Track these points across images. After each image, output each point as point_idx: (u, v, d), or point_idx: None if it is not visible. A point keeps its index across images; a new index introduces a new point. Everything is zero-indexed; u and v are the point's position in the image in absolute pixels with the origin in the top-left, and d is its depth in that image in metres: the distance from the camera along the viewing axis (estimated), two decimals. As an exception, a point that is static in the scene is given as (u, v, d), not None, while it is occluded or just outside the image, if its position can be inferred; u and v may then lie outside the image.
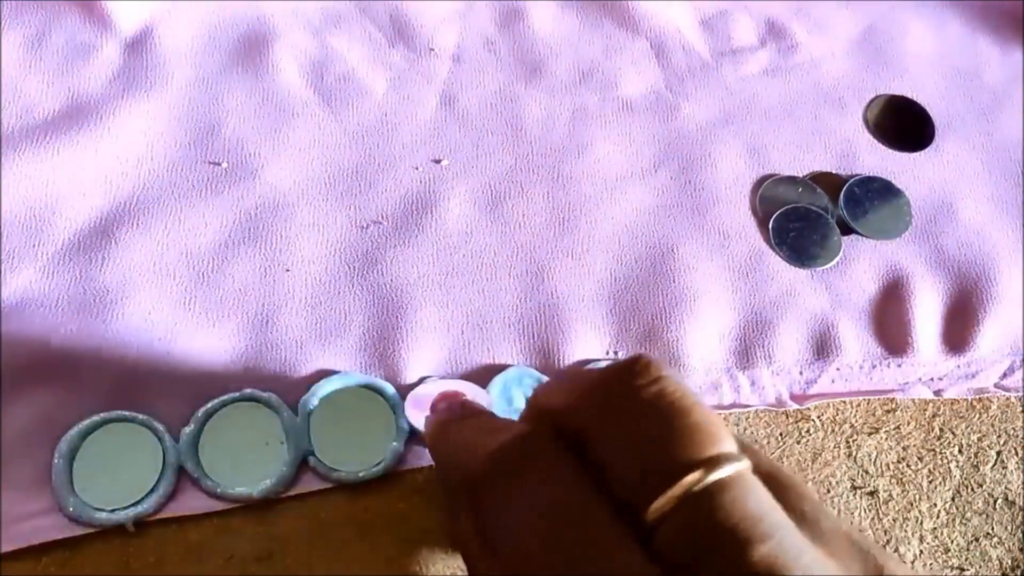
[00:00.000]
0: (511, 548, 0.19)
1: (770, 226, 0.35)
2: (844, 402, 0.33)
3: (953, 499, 0.32)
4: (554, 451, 0.20)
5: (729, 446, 0.19)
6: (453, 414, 0.26)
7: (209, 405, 0.29)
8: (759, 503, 0.18)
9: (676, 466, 0.18)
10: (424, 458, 0.29)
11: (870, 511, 0.31)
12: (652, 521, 0.18)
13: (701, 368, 0.32)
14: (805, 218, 0.35)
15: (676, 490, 0.18)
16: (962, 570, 0.30)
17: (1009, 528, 0.31)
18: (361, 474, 0.29)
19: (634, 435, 0.19)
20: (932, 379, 0.33)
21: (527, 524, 0.19)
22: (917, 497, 0.31)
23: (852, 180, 0.37)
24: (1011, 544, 0.31)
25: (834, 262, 0.35)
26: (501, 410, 0.30)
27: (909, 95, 0.40)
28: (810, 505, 0.19)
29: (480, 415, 0.26)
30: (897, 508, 0.31)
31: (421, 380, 0.30)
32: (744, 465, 0.18)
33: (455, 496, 0.23)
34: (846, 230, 0.35)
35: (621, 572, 0.17)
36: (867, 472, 0.32)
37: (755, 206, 0.36)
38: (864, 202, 0.36)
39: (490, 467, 0.21)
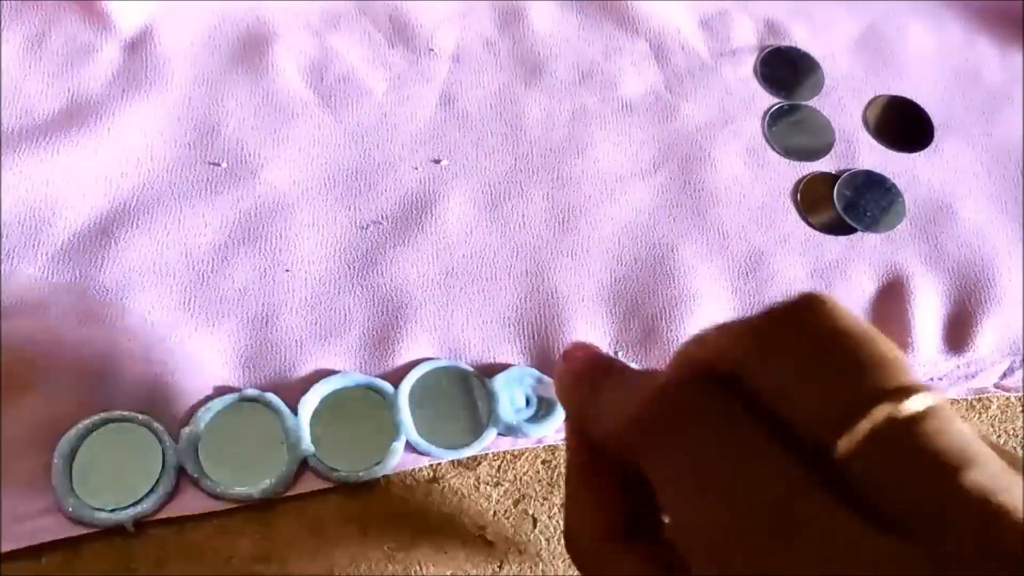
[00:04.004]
0: (682, 499, 0.19)
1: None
2: (844, 402, 0.33)
3: (953, 499, 0.32)
4: (717, 392, 0.19)
5: (917, 378, 0.18)
6: (597, 364, 0.24)
7: (209, 405, 0.29)
8: (959, 430, 0.17)
9: (866, 397, 0.17)
10: (423, 459, 0.29)
11: (870, 511, 0.31)
12: (843, 456, 0.17)
13: (701, 368, 0.32)
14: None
15: (869, 422, 0.17)
16: (962, 570, 0.30)
17: (1009, 528, 0.31)
18: (361, 474, 0.29)
19: (814, 371, 0.18)
20: (932, 379, 0.33)
21: (700, 473, 0.18)
22: (917, 497, 0.31)
23: (839, 182, 0.37)
24: (1011, 544, 0.31)
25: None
26: (503, 410, 0.30)
27: (909, 95, 0.40)
28: (995, 444, 0.19)
29: (628, 370, 0.24)
30: (897, 508, 0.31)
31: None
32: (940, 396, 0.17)
33: (595, 457, 0.23)
34: (846, 230, 0.36)
35: (815, 517, 0.17)
36: (867, 472, 0.32)
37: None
38: (858, 200, 0.36)
39: (650, 414, 0.20)
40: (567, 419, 0.25)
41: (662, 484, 0.19)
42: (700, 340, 0.21)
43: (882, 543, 0.16)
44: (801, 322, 0.19)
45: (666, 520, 0.20)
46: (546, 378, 0.31)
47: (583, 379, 0.24)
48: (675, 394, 0.20)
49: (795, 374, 0.18)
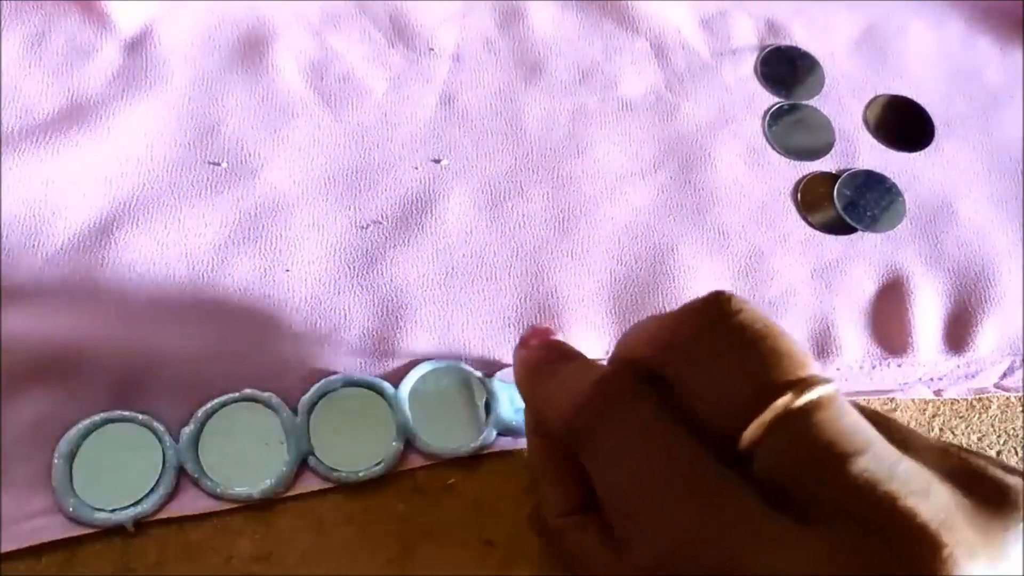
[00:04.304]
0: (608, 488, 0.20)
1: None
2: (844, 402, 0.33)
3: (953, 499, 0.32)
4: (634, 388, 0.20)
5: (816, 369, 0.19)
6: (548, 356, 0.26)
7: (209, 405, 0.29)
8: (852, 420, 0.18)
9: (767, 390, 0.18)
10: (423, 459, 0.29)
11: (870, 511, 0.31)
12: (747, 447, 0.18)
13: (701, 368, 0.32)
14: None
15: (768, 413, 0.18)
16: (962, 570, 0.30)
17: (1009, 528, 0.31)
18: (361, 474, 0.29)
19: (721, 365, 0.19)
20: (932, 379, 0.33)
21: (617, 464, 0.20)
22: (917, 497, 0.31)
23: (839, 182, 0.37)
24: (1011, 544, 0.31)
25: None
26: (503, 410, 0.30)
27: (909, 95, 0.40)
28: (898, 427, 0.20)
29: (575, 359, 0.25)
30: (897, 508, 0.31)
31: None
32: (834, 387, 0.19)
33: (550, 441, 0.24)
34: (846, 229, 0.35)
35: (717, 497, 0.18)
36: (867, 472, 0.32)
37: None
38: (858, 200, 0.36)
39: (577, 412, 0.21)
40: (525, 404, 0.26)
41: (593, 470, 0.21)
42: (629, 337, 0.23)
43: (778, 524, 0.17)
44: (707, 321, 0.20)
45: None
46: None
47: (534, 370, 0.26)
48: (600, 395, 0.21)
49: (703, 370, 0.19)
